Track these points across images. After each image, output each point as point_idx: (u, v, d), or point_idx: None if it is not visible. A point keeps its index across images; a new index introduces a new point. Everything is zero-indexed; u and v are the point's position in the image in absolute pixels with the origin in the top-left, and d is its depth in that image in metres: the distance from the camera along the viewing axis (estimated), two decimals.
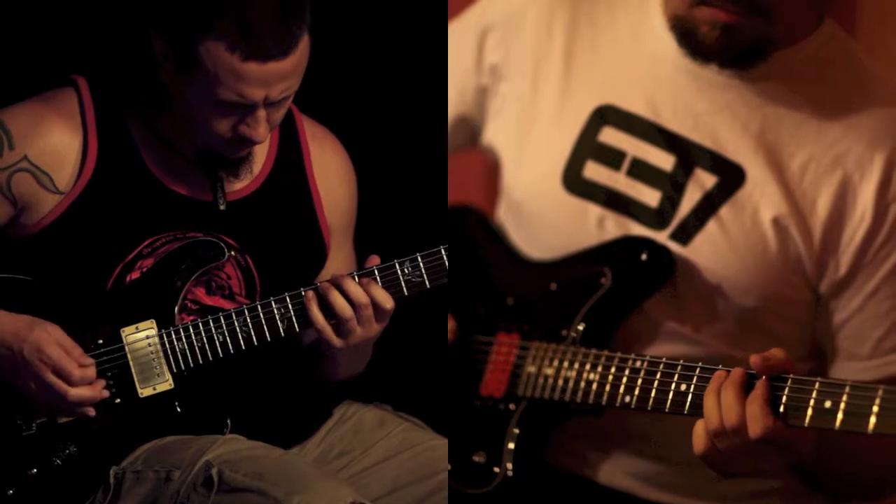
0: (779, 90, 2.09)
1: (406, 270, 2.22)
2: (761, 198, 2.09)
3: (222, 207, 2.25)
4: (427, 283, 2.22)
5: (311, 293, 2.20)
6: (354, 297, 2.19)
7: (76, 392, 2.15)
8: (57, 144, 2.21)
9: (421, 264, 2.21)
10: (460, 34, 2.33)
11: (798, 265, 2.10)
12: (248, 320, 2.22)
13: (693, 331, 2.15)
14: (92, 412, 2.19)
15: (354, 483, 2.28)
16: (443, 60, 2.23)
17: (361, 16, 2.56)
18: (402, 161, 2.59)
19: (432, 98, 2.26)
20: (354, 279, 2.20)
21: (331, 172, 2.38)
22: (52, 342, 2.15)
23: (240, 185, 2.29)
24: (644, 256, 2.13)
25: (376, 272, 2.21)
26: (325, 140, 2.39)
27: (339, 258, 2.37)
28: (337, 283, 2.20)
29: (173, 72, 2.13)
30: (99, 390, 2.18)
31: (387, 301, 2.20)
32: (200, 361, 2.22)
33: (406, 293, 2.22)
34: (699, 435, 1.91)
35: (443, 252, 2.21)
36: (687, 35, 2.05)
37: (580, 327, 2.16)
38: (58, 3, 2.49)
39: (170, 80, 2.15)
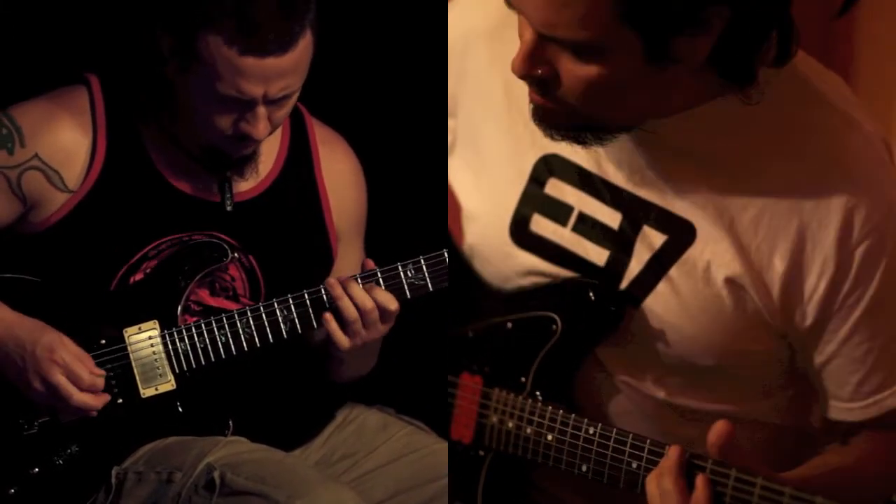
0: (725, 138, 1.95)
1: (409, 273, 2.22)
2: (713, 256, 1.98)
3: (229, 208, 2.26)
4: (430, 286, 2.21)
5: (329, 315, 2.20)
6: (360, 302, 2.19)
7: (81, 397, 2.16)
8: (67, 142, 2.22)
9: (424, 267, 2.21)
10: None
11: (759, 320, 2.00)
12: (251, 321, 2.22)
13: (652, 386, 2.10)
14: (94, 413, 2.19)
15: (357, 486, 2.28)
16: (444, 64, 2.22)
17: (366, 20, 2.56)
18: (405, 164, 2.59)
19: (435, 101, 2.25)
20: (359, 283, 2.20)
21: (340, 176, 2.38)
22: (64, 346, 2.16)
23: (247, 186, 2.29)
24: (591, 296, 2.06)
25: (379, 275, 2.21)
26: (335, 144, 2.39)
27: (348, 262, 2.36)
28: (344, 288, 2.20)
29: (177, 68, 2.14)
30: (102, 401, 2.19)
31: (391, 303, 2.20)
32: (203, 362, 2.22)
33: (409, 296, 2.21)
34: None
35: (446, 255, 2.21)
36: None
37: (537, 376, 2.11)
38: (70, 1, 2.50)
39: (175, 77, 2.16)
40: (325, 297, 2.21)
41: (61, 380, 2.14)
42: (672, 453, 1.87)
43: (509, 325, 2.14)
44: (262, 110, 2.13)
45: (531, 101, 1.92)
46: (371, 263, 2.23)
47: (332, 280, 2.21)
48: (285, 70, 2.10)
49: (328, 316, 2.20)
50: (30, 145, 2.20)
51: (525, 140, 2.09)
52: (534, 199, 2.10)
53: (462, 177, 2.21)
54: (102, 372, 2.18)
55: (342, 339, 2.21)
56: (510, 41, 1.94)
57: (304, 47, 2.11)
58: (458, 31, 2.18)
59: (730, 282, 1.98)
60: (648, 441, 1.95)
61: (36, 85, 2.27)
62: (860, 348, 2.00)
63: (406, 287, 2.21)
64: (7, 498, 2.18)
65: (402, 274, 2.21)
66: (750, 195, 1.96)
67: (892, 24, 2.65)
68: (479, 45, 2.15)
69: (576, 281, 2.08)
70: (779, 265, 1.96)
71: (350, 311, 2.19)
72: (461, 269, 2.22)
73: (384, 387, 2.46)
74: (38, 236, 2.22)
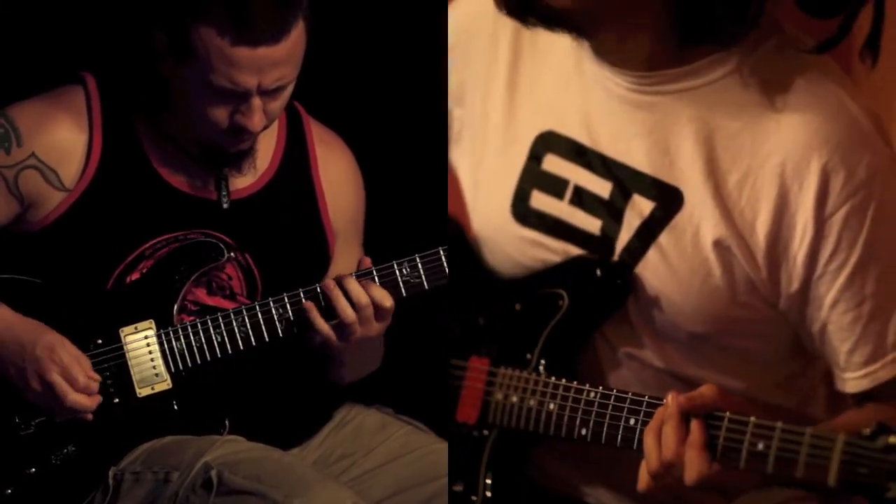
0: (710, 103, 2.00)
1: (404, 271, 2.22)
2: (700, 221, 2.02)
3: (226, 206, 2.26)
4: (425, 284, 2.22)
5: (310, 303, 2.20)
6: (355, 297, 2.19)
7: (74, 397, 2.16)
8: (64, 141, 2.22)
9: (419, 265, 2.21)
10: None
11: (748, 286, 2.03)
12: (247, 321, 2.22)
13: (652, 356, 2.12)
14: (90, 417, 2.20)
15: (355, 486, 2.28)
16: (444, 62, 2.22)
17: (364, 18, 2.56)
18: (402, 163, 2.59)
19: (433, 99, 2.26)
20: (355, 280, 2.20)
21: (337, 176, 2.38)
22: (63, 347, 2.16)
23: (244, 184, 2.30)
24: (598, 273, 2.10)
25: (375, 273, 2.21)
26: (332, 144, 2.40)
27: (346, 261, 2.36)
28: (340, 284, 2.20)
29: (172, 63, 2.15)
30: (95, 403, 2.18)
31: (385, 299, 2.20)
32: (199, 362, 2.22)
33: (405, 294, 2.22)
34: (642, 474, 1.92)
35: (441, 253, 2.21)
36: None
37: (543, 351, 2.14)
38: (67, 2, 2.51)
39: (170, 73, 2.17)
40: (320, 295, 2.21)
41: (57, 379, 2.14)
42: (671, 401, 1.88)
43: (518, 306, 2.17)
44: (257, 102, 2.14)
45: None
46: (368, 262, 2.23)
47: (327, 279, 2.21)
48: (278, 60, 2.11)
49: (321, 322, 2.20)
50: (27, 144, 2.21)
51: (524, 120, 2.14)
52: (532, 176, 2.14)
53: (467, 163, 2.24)
54: (98, 377, 2.18)
55: (330, 335, 2.21)
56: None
57: (296, 37, 2.12)
58: (462, 18, 2.22)
59: (717, 245, 2.02)
60: (647, 397, 1.97)
61: (33, 85, 2.28)
62: (847, 316, 2.01)
63: (402, 285, 2.21)
64: (3, 498, 2.18)
65: (397, 272, 2.22)
66: (734, 160, 2.00)
67: (893, 23, 2.64)
68: (483, 31, 2.19)
69: (583, 258, 2.12)
70: (761, 228, 2.00)
71: (346, 309, 2.19)
72: (470, 260, 2.24)
73: (383, 387, 2.46)
74: (35, 235, 2.23)
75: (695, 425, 1.85)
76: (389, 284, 2.21)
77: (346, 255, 2.38)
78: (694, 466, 1.84)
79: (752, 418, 1.81)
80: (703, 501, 1.87)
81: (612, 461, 2.12)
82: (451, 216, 2.30)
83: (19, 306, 2.20)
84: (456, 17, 2.23)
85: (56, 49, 2.49)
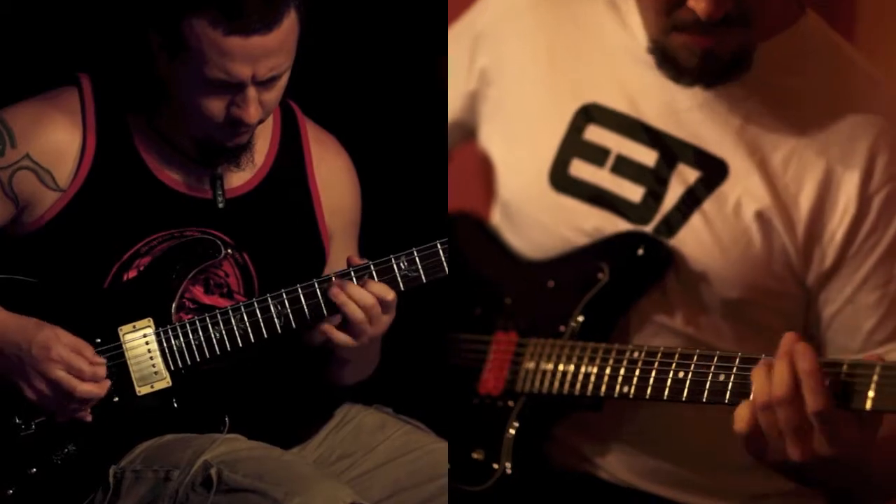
0: (760, 84, 2.09)
1: (402, 266, 2.22)
2: (744, 191, 2.11)
3: (221, 205, 2.26)
4: (423, 277, 2.22)
5: (329, 326, 2.22)
6: (361, 301, 2.20)
7: (85, 388, 2.16)
8: (58, 142, 2.23)
9: (417, 259, 2.22)
10: (455, 39, 2.36)
11: (784, 257, 2.10)
12: (245, 317, 2.23)
13: (682, 324, 2.16)
14: (88, 417, 2.20)
15: (355, 486, 2.26)
16: (443, 58, 2.24)
17: (362, 15, 2.58)
18: (402, 160, 2.60)
19: (433, 96, 2.27)
20: (353, 280, 2.21)
21: (332, 175, 2.39)
22: (59, 341, 2.16)
23: (239, 182, 2.30)
24: (640, 251, 2.15)
25: (372, 268, 2.22)
26: (327, 143, 2.40)
27: (342, 261, 2.35)
28: (343, 290, 2.21)
29: (166, 60, 2.16)
30: (106, 388, 2.19)
31: (387, 293, 2.21)
32: (198, 359, 2.22)
33: (403, 288, 2.22)
34: (741, 414, 1.89)
35: (439, 246, 2.22)
36: (667, 60, 2.07)
37: (578, 322, 2.17)
38: (61, 4, 2.53)
39: (165, 71, 2.17)
40: (318, 290, 2.22)
41: (62, 375, 2.15)
42: (787, 336, 1.88)
43: (551, 283, 2.21)
44: (251, 92, 2.14)
45: (692, 49, 2.02)
46: (355, 260, 2.24)
47: (334, 289, 2.21)
48: (271, 49, 2.12)
49: (327, 326, 2.22)
50: (21, 146, 2.22)
51: (565, 93, 2.22)
52: (573, 146, 2.21)
53: (500, 139, 2.30)
54: (103, 360, 2.19)
55: (346, 340, 2.22)
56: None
57: (288, 26, 2.12)
58: (498, 6, 2.31)
59: (759, 215, 2.10)
60: (697, 351, 1.99)
61: (28, 87, 2.29)
62: (874, 294, 2.09)
63: (399, 279, 2.22)
64: (5, 498, 2.18)
65: (395, 266, 2.22)
66: (781, 137, 2.10)
67: (893, 24, 2.67)
68: (521, 15, 2.28)
69: (624, 234, 2.17)
70: (805, 204, 2.08)
71: (356, 313, 2.20)
72: (493, 244, 2.30)
73: (382, 386, 2.46)
74: (31, 236, 2.23)
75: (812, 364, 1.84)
76: (388, 280, 2.22)
77: (342, 254, 2.37)
78: (817, 395, 1.81)
79: (881, 363, 1.81)
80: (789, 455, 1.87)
81: (630, 437, 2.17)
82: (461, 209, 2.32)
83: (17, 306, 2.20)
84: (492, 5, 2.32)
85: (52, 51, 2.50)
